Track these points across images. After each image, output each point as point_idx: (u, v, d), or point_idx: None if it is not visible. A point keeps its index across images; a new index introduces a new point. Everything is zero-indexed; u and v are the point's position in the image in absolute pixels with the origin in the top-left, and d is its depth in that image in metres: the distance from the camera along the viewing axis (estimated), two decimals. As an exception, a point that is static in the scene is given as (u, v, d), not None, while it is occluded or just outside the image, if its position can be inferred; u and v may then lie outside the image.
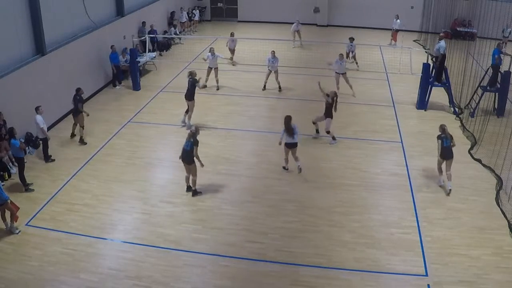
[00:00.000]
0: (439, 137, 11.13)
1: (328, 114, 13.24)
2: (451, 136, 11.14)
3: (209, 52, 17.10)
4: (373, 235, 9.72)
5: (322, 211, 10.51)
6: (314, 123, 13.65)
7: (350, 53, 19.76)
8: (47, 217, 10.19)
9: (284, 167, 12.02)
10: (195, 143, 10.54)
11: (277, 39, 20.93)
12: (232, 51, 20.26)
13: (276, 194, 11.13)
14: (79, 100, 13.37)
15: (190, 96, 14.01)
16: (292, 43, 22.59)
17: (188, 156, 10.62)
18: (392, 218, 10.28)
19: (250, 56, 20.33)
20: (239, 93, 16.64)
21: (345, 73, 16.78)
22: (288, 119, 11.48)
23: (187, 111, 14.20)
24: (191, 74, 14.03)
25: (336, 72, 16.79)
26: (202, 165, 10.70)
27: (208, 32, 25.95)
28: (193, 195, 10.92)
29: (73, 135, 13.81)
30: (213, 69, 17.15)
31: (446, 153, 11.00)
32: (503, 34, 22.34)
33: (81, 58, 15.81)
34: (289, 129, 11.40)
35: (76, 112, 13.39)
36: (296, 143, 11.53)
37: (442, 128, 11.18)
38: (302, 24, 23.40)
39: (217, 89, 17.13)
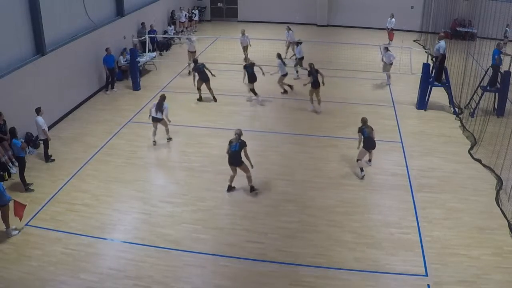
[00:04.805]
0: (360, 129, 11.82)
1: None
2: (371, 128, 11.84)
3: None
4: (373, 235, 9.72)
5: (322, 211, 10.51)
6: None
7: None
8: (47, 217, 10.19)
9: (153, 142, 13.33)
10: (244, 143, 10.74)
11: (277, 39, 20.91)
12: (245, 48, 20.34)
13: (276, 194, 11.13)
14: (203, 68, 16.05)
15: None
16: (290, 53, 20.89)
17: (237, 157, 10.73)
18: (392, 218, 10.28)
19: (250, 56, 20.32)
20: (239, 93, 16.64)
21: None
22: (163, 98, 13.16)
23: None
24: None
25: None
26: (252, 166, 10.90)
27: (208, 32, 25.92)
28: (251, 191, 11.07)
29: (214, 98, 16.29)
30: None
31: (368, 144, 11.74)
32: (505, 34, 22.30)
33: (81, 58, 15.80)
34: (160, 106, 13.01)
35: (206, 77, 15.96)
36: (160, 118, 13.11)
37: (364, 121, 11.90)
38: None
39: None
